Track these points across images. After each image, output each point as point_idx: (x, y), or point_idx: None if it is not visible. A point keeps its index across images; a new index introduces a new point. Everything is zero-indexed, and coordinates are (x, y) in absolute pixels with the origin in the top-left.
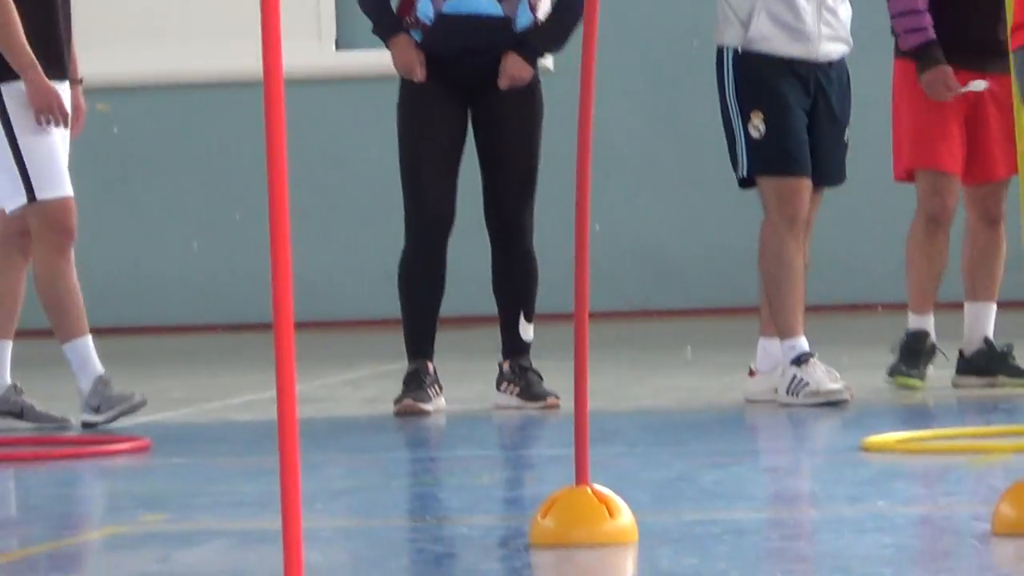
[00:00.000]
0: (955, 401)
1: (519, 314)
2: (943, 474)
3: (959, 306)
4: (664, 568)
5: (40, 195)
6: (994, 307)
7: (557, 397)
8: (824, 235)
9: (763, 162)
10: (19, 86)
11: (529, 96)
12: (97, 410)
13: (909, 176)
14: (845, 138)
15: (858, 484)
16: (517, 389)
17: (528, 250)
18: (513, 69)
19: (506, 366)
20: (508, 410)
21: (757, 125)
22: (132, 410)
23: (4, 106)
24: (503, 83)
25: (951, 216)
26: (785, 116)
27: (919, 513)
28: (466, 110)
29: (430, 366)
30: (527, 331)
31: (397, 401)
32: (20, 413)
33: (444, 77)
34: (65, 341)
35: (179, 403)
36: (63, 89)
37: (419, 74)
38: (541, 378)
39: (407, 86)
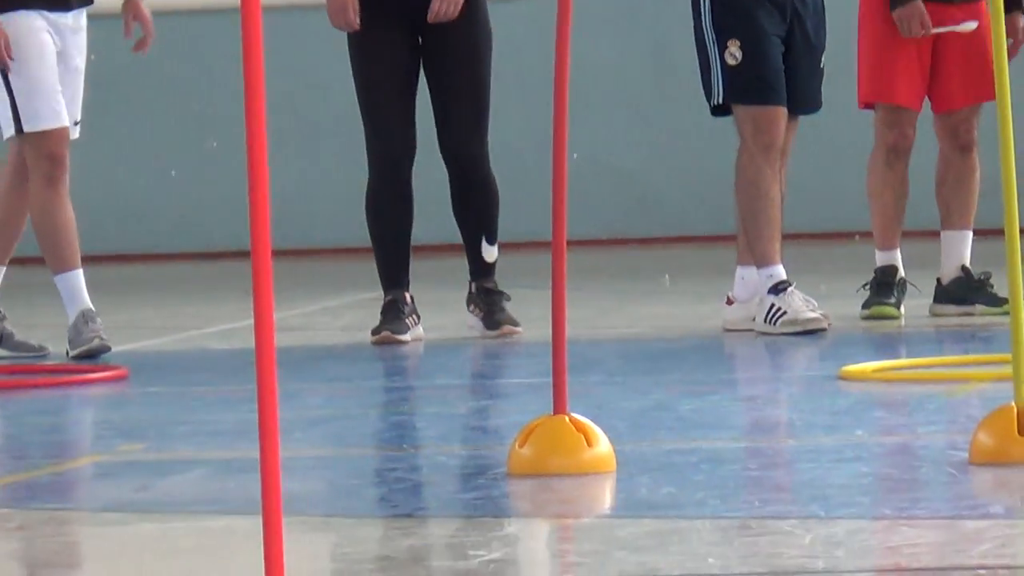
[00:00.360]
0: (932, 330)
1: (481, 238)
2: (920, 403)
3: (935, 234)
4: (642, 497)
5: (27, 127)
6: (970, 235)
7: (516, 324)
8: (801, 163)
9: (739, 90)
10: (11, 17)
11: (476, 27)
12: (71, 343)
13: (870, 106)
14: (820, 65)
15: (835, 413)
16: (481, 313)
17: (485, 177)
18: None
19: (473, 287)
20: (486, 339)
21: (734, 53)
22: (92, 353)
23: None
24: (431, 15)
25: (910, 146)
26: (762, 44)
27: (896, 442)
28: (416, 39)
29: (407, 296)
30: (489, 253)
31: (375, 332)
32: None
33: (391, 8)
34: (55, 273)
35: (156, 332)
36: (69, 19)
37: (353, 23)
38: (507, 299)
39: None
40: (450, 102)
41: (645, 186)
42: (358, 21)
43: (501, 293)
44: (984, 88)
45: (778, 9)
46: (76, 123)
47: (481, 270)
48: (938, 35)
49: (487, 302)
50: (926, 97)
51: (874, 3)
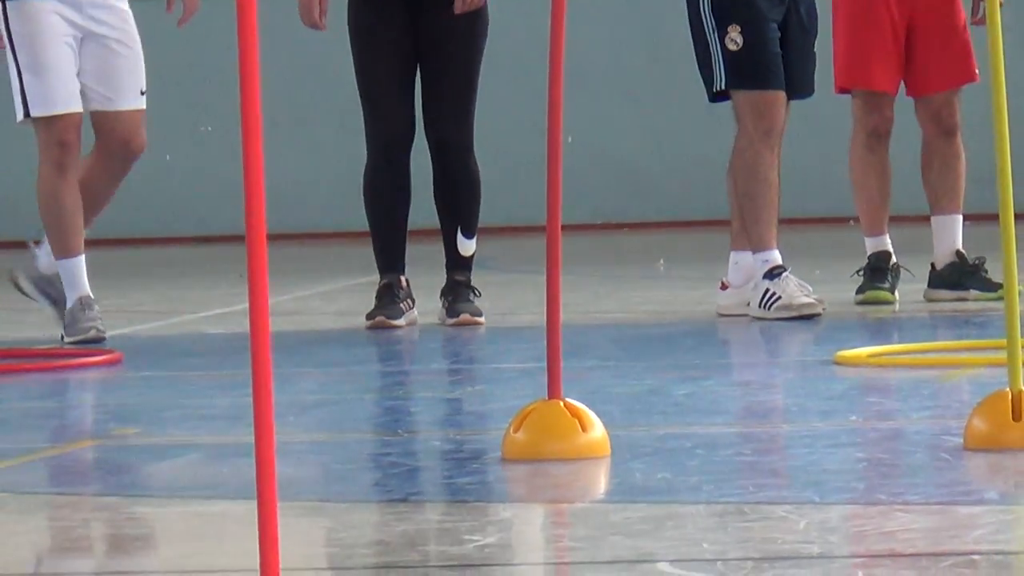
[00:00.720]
0: (927, 315)
1: (456, 229)
2: (915, 388)
3: (927, 219)
4: (637, 482)
5: (34, 111)
6: (960, 219)
7: (478, 315)
8: (796, 148)
9: (740, 75)
10: (23, 2)
11: (475, 17)
12: (65, 329)
13: (846, 91)
14: (813, 50)
15: (830, 398)
16: (446, 303)
17: (466, 165)
18: None
19: (447, 278)
20: (480, 325)
21: (735, 38)
22: (87, 342)
23: (8, 22)
24: (458, 5)
25: (890, 129)
26: (762, 29)
27: (891, 427)
28: (415, 24)
29: (403, 280)
30: (465, 246)
31: (369, 316)
32: (55, 301)
33: None
34: (57, 258)
35: (151, 316)
36: (71, 6)
37: (319, 24)
38: (476, 293)
39: (355, 3)
40: (439, 86)
41: (639, 171)
42: (324, 22)
43: (472, 288)
44: (963, 70)
45: None
46: (142, 92)
47: (455, 262)
48: (912, 19)
49: (454, 292)
50: (902, 81)
51: None
